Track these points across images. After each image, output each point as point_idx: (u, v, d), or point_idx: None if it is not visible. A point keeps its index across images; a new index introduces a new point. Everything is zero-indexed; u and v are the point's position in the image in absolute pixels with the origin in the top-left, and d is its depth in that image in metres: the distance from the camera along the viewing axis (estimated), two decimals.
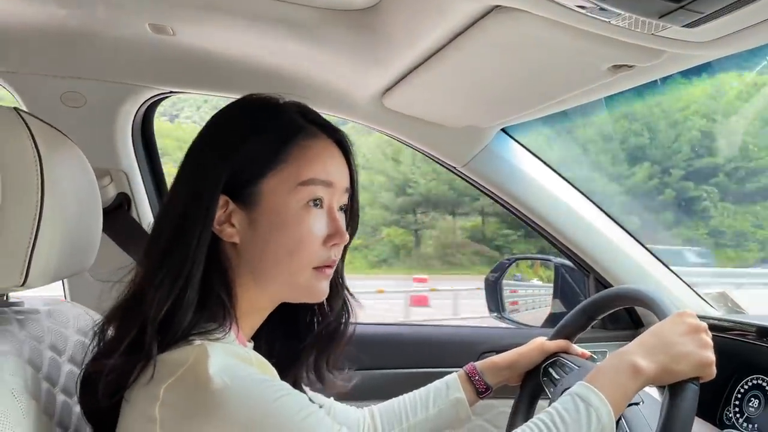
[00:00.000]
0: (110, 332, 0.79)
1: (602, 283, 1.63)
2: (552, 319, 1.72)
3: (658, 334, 0.89)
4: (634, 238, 1.62)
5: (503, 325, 1.79)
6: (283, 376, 0.85)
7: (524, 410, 1.17)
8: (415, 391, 1.16)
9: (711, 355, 0.86)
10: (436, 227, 18.24)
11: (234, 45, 1.24)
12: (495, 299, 1.81)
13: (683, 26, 0.72)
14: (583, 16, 0.75)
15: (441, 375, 1.18)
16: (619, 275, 1.60)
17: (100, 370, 0.74)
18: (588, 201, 1.60)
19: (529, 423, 0.84)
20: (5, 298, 0.88)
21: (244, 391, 0.70)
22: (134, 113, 1.51)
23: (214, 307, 0.78)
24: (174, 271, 0.75)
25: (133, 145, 1.54)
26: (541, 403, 1.15)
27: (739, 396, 1.18)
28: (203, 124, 0.86)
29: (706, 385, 0.87)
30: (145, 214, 1.57)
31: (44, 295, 0.98)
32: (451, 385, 1.14)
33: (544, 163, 1.59)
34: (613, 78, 0.98)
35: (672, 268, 1.63)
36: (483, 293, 1.84)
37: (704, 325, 0.89)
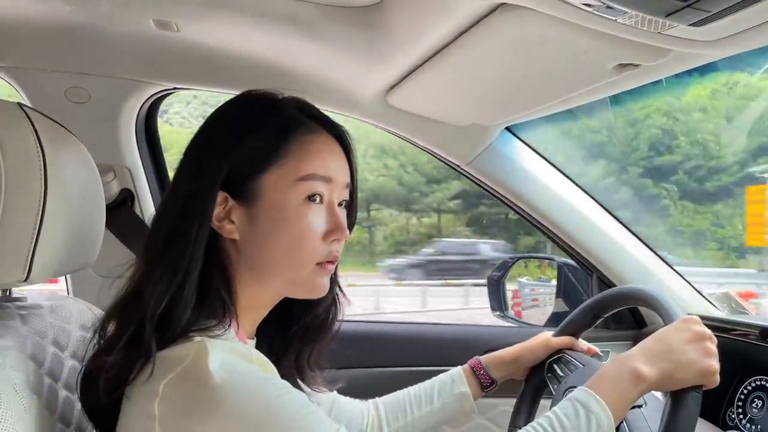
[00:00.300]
0: (111, 329, 0.79)
1: (605, 283, 1.62)
2: (555, 318, 1.72)
3: (662, 340, 0.88)
4: (638, 238, 1.61)
5: (506, 324, 1.79)
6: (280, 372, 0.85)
7: (527, 405, 1.18)
8: (419, 384, 1.16)
9: (715, 364, 0.85)
10: (390, 224, 18.11)
11: (238, 41, 1.23)
12: (497, 298, 1.81)
13: (690, 25, 0.71)
14: (589, 15, 0.75)
15: None
16: (622, 275, 1.60)
17: (100, 367, 0.74)
18: (592, 200, 1.59)
19: (527, 427, 0.84)
20: (8, 293, 0.88)
21: (244, 388, 0.69)
22: (138, 109, 1.51)
23: (214, 304, 0.78)
24: (172, 267, 0.75)
25: (137, 141, 1.54)
26: (544, 402, 1.16)
27: (742, 397, 1.18)
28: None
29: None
30: (148, 210, 1.57)
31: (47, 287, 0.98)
32: (456, 379, 1.15)
33: (549, 162, 1.59)
34: (619, 77, 0.97)
35: (676, 268, 1.62)
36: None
37: (709, 333, 0.88)
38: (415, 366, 1.56)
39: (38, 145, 0.77)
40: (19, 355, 0.76)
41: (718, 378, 0.85)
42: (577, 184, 1.59)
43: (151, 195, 1.58)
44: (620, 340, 1.64)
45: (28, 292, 0.91)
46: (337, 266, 0.92)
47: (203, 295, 0.77)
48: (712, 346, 0.87)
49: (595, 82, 1.03)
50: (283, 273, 0.82)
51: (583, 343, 1.17)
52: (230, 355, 0.72)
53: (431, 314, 10.36)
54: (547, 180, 1.57)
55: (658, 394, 0.99)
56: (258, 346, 0.87)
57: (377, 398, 1.15)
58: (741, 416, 1.17)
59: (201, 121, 0.86)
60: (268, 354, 0.81)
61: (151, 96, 1.51)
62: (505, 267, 1.83)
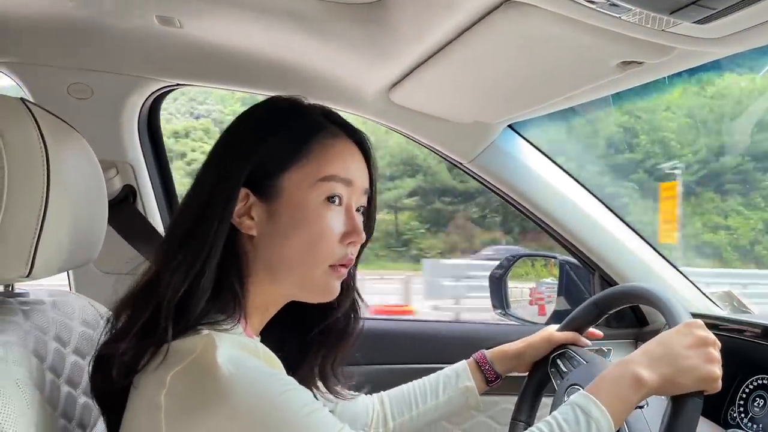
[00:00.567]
0: (124, 318, 0.79)
1: (607, 281, 1.62)
2: (556, 316, 1.72)
3: (664, 344, 0.88)
4: (640, 236, 1.61)
5: (508, 321, 1.79)
6: (292, 374, 0.85)
7: (530, 399, 1.18)
8: (424, 378, 1.17)
9: (716, 370, 0.85)
10: None
11: (241, 38, 1.23)
12: (499, 296, 1.81)
13: (694, 22, 0.71)
14: (593, 12, 0.74)
15: None
16: (624, 273, 1.59)
17: (113, 353, 0.74)
18: (594, 198, 1.59)
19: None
20: (10, 288, 0.88)
21: (251, 383, 0.70)
22: (141, 105, 1.51)
23: (226, 298, 0.79)
24: (191, 257, 0.76)
25: (140, 138, 1.54)
26: (545, 400, 1.16)
27: (744, 396, 1.18)
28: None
29: None
30: (151, 206, 1.57)
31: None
32: (461, 373, 1.16)
33: (551, 160, 1.59)
34: (622, 74, 0.97)
35: (678, 267, 1.62)
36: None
37: (713, 338, 0.88)
38: (418, 363, 1.56)
39: (41, 141, 0.77)
40: (22, 351, 0.76)
41: (719, 384, 0.85)
42: (579, 182, 1.59)
43: (153, 191, 1.59)
44: (622, 338, 1.64)
45: (31, 287, 0.91)
46: (354, 270, 0.94)
47: (217, 289, 0.78)
48: (715, 351, 0.87)
49: (598, 79, 1.03)
50: (296, 271, 0.83)
51: (585, 340, 1.17)
52: (238, 349, 0.72)
53: None
54: (549, 178, 1.57)
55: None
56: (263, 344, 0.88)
57: (382, 392, 1.16)
58: (742, 415, 1.17)
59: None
60: (275, 352, 0.82)
61: (154, 92, 1.51)
62: (506, 265, 1.83)
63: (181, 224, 0.79)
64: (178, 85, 1.51)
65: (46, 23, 1.22)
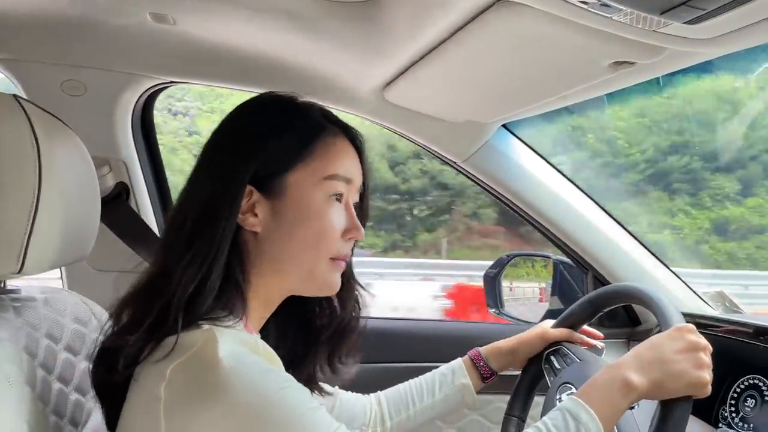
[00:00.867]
0: (127, 314, 0.80)
1: (600, 281, 1.63)
2: (549, 316, 1.72)
3: (655, 348, 0.88)
4: (633, 236, 1.62)
5: (502, 321, 1.79)
6: (296, 372, 0.87)
7: (523, 395, 1.19)
8: (420, 376, 1.18)
9: (705, 376, 0.85)
10: None
11: (235, 36, 1.23)
12: (493, 295, 1.80)
13: (684, 23, 0.71)
14: (585, 12, 0.75)
15: None
16: (617, 273, 1.60)
17: (120, 345, 0.75)
18: (588, 198, 1.59)
19: None
20: (2, 285, 0.88)
21: (251, 379, 0.70)
22: (134, 102, 1.51)
23: (229, 295, 0.80)
24: (200, 257, 0.77)
25: (133, 135, 1.54)
26: (538, 399, 1.16)
27: (735, 395, 1.18)
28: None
29: None
30: (144, 204, 1.57)
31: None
32: (456, 370, 1.17)
33: (545, 159, 1.59)
34: (615, 74, 0.97)
35: (671, 267, 1.63)
36: None
37: (704, 343, 0.88)
38: (414, 362, 1.56)
39: (33, 137, 0.77)
40: (13, 347, 0.76)
41: (708, 389, 0.85)
42: (573, 182, 1.59)
43: (147, 189, 1.58)
44: (614, 338, 1.64)
45: (22, 284, 0.91)
46: (353, 266, 0.96)
47: (221, 286, 0.79)
48: (706, 357, 0.87)
49: (591, 79, 1.03)
50: (300, 266, 0.85)
51: (579, 337, 1.18)
52: (238, 344, 0.73)
53: None
54: (543, 177, 1.57)
55: None
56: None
57: (379, 392, 1.17)
58: (734, 414, 1.17)
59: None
60: (275, 349, 0.83)
61: (148, 89, 1.50)
62: (501, 264, 1.83)
63: (185, 223, 0.80)
64: (171, 82, 1.50)
65: (39, 20, 1.22)
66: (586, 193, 1.59)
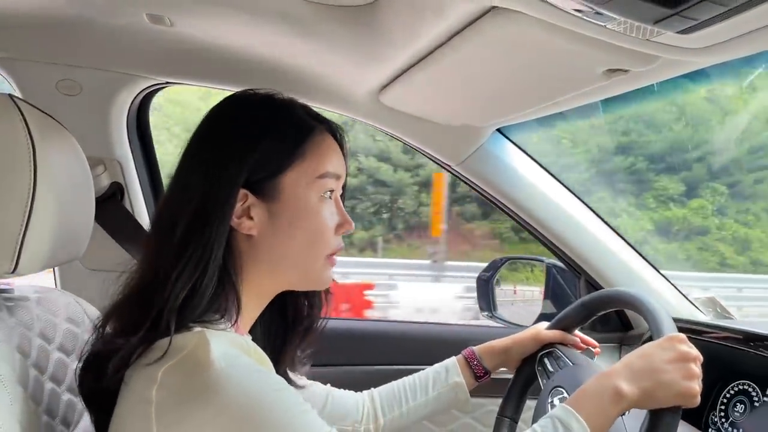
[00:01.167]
0: (117, 320, 0.80)
1: (593, 285, 1.63)
2: (542, 320, 1.72)
3: (646, 357, 0.89)
4: (626, 241, 1.62)
5: (495, 324, 1.79)
6: (276, 366, 0.87)
7: (516, 396, 1.19)
8: (414, 374, 1.18)
9: (695, 387, 0.85)
10: None
11: (231, 38, 1.23)
12: (486, 298, 1.81)
13: (677, 32, 0.72)
14: (578, 20, 0.75)
15: None
16: (610, 278, 1.61)
17: (111, 350, 0.75)
18: (581, 203, 1.60)
19: None
20: None
21: (243, 380, 0.71)
22: (130, 103, 1.51)
23: (223, 298, 0.80)
24: (193, 262, 0.77)
25: (128, 135, 1.54)
26: (530, 403, 1.17)
27: (725, 401, 1.19)
28: None
29: None
30: (138, 204, 1.57)
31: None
32: (450, 369, 1.17)
33: (539, 164, 1.60)
34: (608, 82, 0.98)
35: (662, 271, 1.64)
36: None
37: (694, 353, 0.88)
38: (408, 364, 1.56)
39: (28, 136, 0.77)
40: (5, 347, 0.76)
41: (698, 400, 0.86)
42: (566, 187, 1.60)
43: (141, 189, 1.58)
44: (606, 342, 1.65)
45: (16, 284, 0.91)
46: None
47: (215, 290, 0.79)
48: (696, 367, 0.87)
49: (584, 86, 1.04)
50: (297, 267, 0.86)
51: (578, 333, 1.19)
52: (230, 346, 0.73)
53: None
54: (537, 182, 1.58)
55: None
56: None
57: (372, 389, 1.18)
58: (723, 419, 1.18)
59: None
60: (263, 349, 0.83)
61: (143, 90, 1.50)
62: (494, 267, 1.83)
63: (176, 225, 0.79)
64: (167, 83, 1.50)
65: (35, 19, 1.21)
66: (580, 199, 1.60)
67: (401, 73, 1.19)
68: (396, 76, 1.22)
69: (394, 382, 1.18)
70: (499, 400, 1.20)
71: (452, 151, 1.55)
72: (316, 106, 0.92)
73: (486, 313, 1.81)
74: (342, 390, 1.15)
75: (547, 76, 1.03)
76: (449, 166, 1.59)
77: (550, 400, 1.06)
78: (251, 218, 0.83)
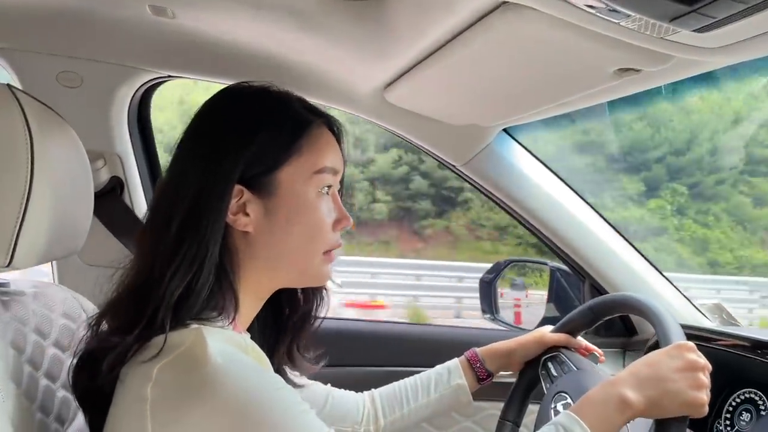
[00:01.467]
0: (112, 318, 0.78)
1: (598, 290, 1.62)
2: (546, 323, 1.71)
3: (653, 366, 0.87)
4: (632, 245, 1.61)
5: (498, 327, 1.78)
6: (270, 359, 0.86)
7: (519, 399, 1.18)
8: (416, 375, 1.17)
9: (702, 397, 0.84)
10: None
11: (235, 31, 1.22)
12: (489, 301, 1.80)
13: (693, 31, 0.70)
14: (591, 16, 0.73)
15: None
16: (615, 282, 1.59)
17: (106, 348, 0.73)
18: (587, 206, 1.59)
19: None
20: None
21: (240, 377, 0.69)
22: (131, 96, 1.50)
23: (220, 295, 0.78)
24: (188, 260, 0.75)
25: (129, 129, 1.53)
26: (532, 407, 1.15)
27: (731, 409, 1.17)
28: None
29: None
30: (138, 199, 1.56)
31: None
32: (452, 370, 1.16)
33: (545, 165, 1.58)
34: (619, 81, 0.96)
35: (667, 276, 1.62)
36: None
37: (703, 362, 0.87)
38: (409, 366, 1.55)
39: (27, 128, 0.76)
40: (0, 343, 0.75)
41: (705, 410, 0.84)
42: (573, 189, 1.58)
43: (141, 184, 1.57)
44: (610, 347, 1.63)
45: (12, 278, 0.89)
46: None
47: (211, 287, 0.78)
48: (704, 377, 0.85)
49: (595, 86, 1.02)
50: (295, 264, 0.85)
51: (580, 340, 1.18)
52: (227, 344, 0.72)
53: None
54: (542, 184, 1.56)
55: None
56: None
57: (373, 390, 1.17)
58: (729, 428, 1.16)
59: None
60: (260, 346, 0.82)
61: (145, 83, 1.49)
62: (497, 269, 1.82)
63: (171, 222, 0.77)
64: (169, 76, 1.49)
65: (37, 9, 1.20)
66: (586, 201, 1.58)
67: (407, 71, 1.18)
68: (402, 73, 1.20)
69: (395, 383, 1.17)
70: (500, 404, 1.19)
71: (457, 150, 1.54)
72: (320, 103, 0.90)
73: (488, 315, 1.79)
74: (342, 390, 1.14)
75: (556, 74, 1.02)
76: (454, 166, 1.57)
77: (553, 406, 1.04)
78: (247, 214, 0.81)
